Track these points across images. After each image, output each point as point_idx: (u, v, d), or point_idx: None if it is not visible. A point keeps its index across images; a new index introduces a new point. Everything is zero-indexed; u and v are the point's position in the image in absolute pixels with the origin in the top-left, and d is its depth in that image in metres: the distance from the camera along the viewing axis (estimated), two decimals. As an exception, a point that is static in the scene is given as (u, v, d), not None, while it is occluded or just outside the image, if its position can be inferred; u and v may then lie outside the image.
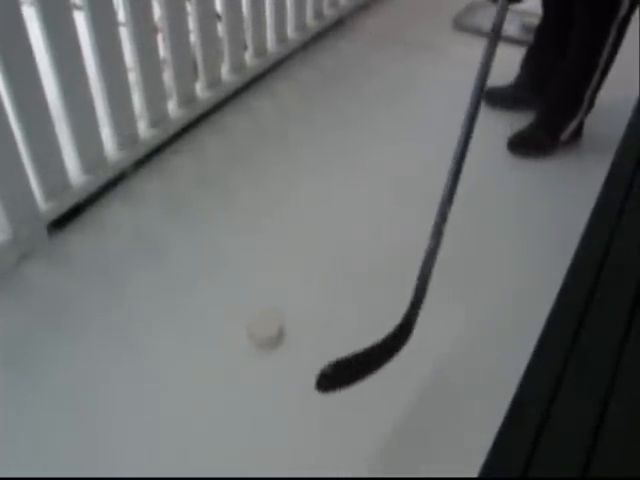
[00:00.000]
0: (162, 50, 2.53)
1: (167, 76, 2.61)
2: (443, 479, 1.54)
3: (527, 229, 2.31)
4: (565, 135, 2.59)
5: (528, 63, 2.86)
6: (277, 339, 1.90)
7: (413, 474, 1.57)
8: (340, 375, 1.67)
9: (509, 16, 3.53)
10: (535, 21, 2.86)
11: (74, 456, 1.66)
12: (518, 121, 2.70)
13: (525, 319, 1.72)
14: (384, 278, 2.12)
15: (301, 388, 1.66)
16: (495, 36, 1.96)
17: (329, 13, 3.46)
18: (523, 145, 2.66)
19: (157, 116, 2.57)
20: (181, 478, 1.57)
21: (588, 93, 2.48)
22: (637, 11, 2.35)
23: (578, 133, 2.62)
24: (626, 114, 2.18)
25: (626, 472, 0.93)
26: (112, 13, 2.22)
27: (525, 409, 0.98)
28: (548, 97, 2.64)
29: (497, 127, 2.72)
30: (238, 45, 2.92)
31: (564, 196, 2.43)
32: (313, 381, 1.54)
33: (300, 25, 3.27)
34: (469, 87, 2.26)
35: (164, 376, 1.84)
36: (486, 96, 2.89)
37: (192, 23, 2.61)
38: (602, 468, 0.91)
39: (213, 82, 2.82)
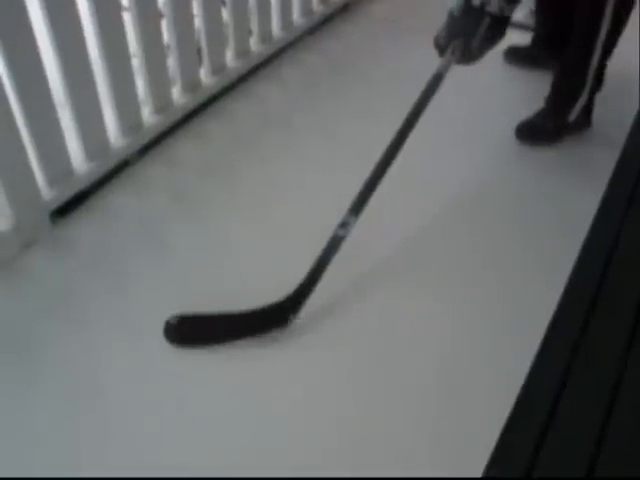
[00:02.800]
0: (166, 35, 2.51)
1: (171, 62, 2.58)
2: (446, 479, 1.53)
3: (535, 220, 2.29)
4: (572, 115, 2.55)
5: (539, 24, 2.97)
6: None
7: (416, 474, 1.56)
8: (189, 329, 1.87)
9: (517, 1, 3.50)
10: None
11: (75, 445, 1.65)
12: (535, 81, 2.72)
13: (531, 313, 1.71)
14: (388, 267, 2.11)
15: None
16: (435, 83, 2.11)
17: (335, -2, 3.43)
18: (531, 133, 2.63)
19: (161, 102, 2.55)
20: (181, 478, 1.55)
21: (591, 70, 2.44)
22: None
23: (587, 117, 2.59)
24: (635, 104, 2.16)
25: (633, 471, 0.92)
26: (115, -2, 2.20)
27: (530, 408, 0.97)
28: (553, 80, 2.61)
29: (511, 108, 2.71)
30: (243, 30, 2.89)
31: (572, 186, 2.40)
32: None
33: (306, 10, 3.24)
34: (475, 72, 2.25)
35: (166, 366, 1.83)
36: (506, 55, 2.96)
37: (196, 8, 2.59)
38: (608, 467, 0.89)
39: (218, 68, 2.80)
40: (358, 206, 1.98)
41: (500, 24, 2.11)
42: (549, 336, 1.08)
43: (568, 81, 2.56)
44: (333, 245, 1.94)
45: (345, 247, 1.96)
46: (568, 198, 2.35)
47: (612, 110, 2.64)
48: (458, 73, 2.18)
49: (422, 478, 1.54)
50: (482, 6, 2.05)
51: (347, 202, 2.32)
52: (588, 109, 2.58)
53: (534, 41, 3.04)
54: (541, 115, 2.64)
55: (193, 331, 1.91)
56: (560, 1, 2.70)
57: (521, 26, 3.24)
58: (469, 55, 2.15)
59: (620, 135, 1.88)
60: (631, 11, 2.37)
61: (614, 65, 2.51)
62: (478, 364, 1.84)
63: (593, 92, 2.52)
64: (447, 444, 1.65)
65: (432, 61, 2.19)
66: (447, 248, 2.19)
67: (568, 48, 2.51)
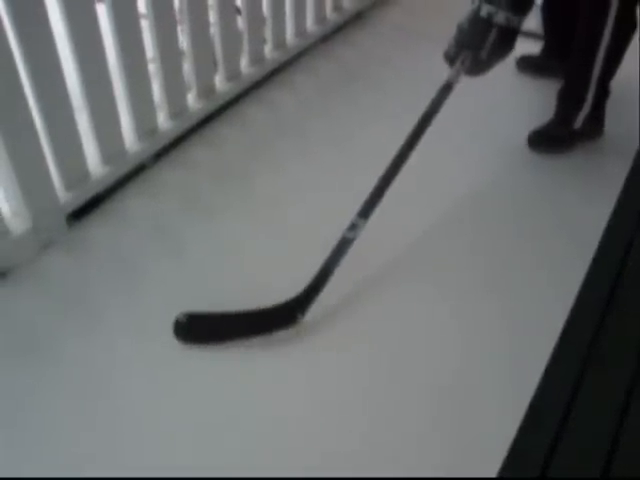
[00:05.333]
0: (182, 42, 2.53)
1: (187, 68, 2.61)
2: (460, 479, 1.54)
3: (546, 228, 2.30)
4: (577, 123, 2.56)
5: (547, 34, 2.99)
6: None
7: (430, 474, 1.56)
8: (198, 327, 1.89)
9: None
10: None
11: (88, 444, 1.67)
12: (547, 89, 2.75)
13: (543, 320, 1.72)
14: (397, 269, 2.12)
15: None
16: (444, 93, 2.15)
17: (349, 6, 3.45)
18: (542, 142, 2.64)
19: (177, 108, 2.58)
20: (183, 478, 1.57)
21: (592, 79, 2.45)
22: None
23: (598, 126, 2.60)
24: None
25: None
26: (133, 5, 2.22)
27: (544, 409, 0.98)
28: (559, 89, 2.63)
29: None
30: (258, 38, 2.92)
31: (583, 195, 2.41)
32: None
33: (319, 18, 3.27)
34: (488, 81, 2.26)
35: (179, 366, 1.85)
36: (518, 64, 2.99)
37: (212, 16, 2.62)
38: (622, 471, 0.90)
39: (232, 74, 2.82)
40: (367, 210, 2.01)
41: (508, 36, 2.12)
42: (562, 341, 1.09)
43: (571, 90, 2.58)
44: (341, 247, 1.97)
45: (355, 248, 1.97)
46: (579, 207, 2.35)
47: (625, 119, 2.65)
48: (471, 82, 2.20)
49: (435, 478, 1.55)
50: (489, 17, 2.07)
51: (359, 206, 2.34)
52: (599, 117, 2.60)
53: (544, 50, 3.06)
54: (552, 124, 2.65)
55: (202, 329, 1.93)
56: (564, 11, 2.72)
57: (533, 35, 3.26)
58: (478, 66, 2.16)
59: (632, 145, 1.89)
60: (636, 27, 2.39)
61: (627, 75, 2.52)
62: (492, 365, 1.85)
63: (599, 101, 2.53)
64: (461, 445, 1.66)
65: (444, 69, 2.21)
66: (457, 253, 2.20)
67: (570, 58, 2.54)
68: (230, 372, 1.83)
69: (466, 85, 2.18)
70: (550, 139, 2.65)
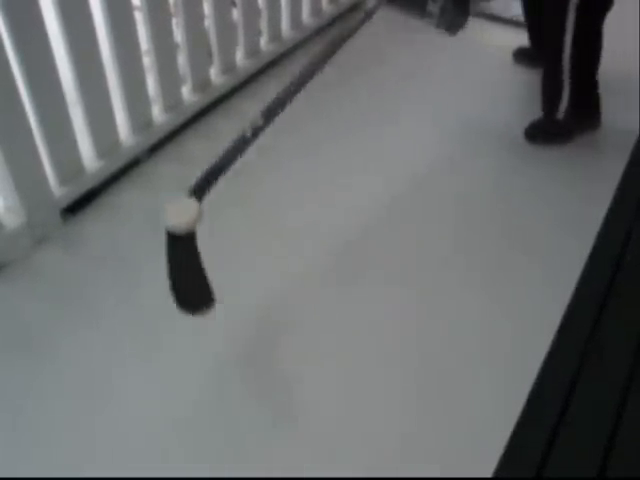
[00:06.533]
0: (177, 35, 2.52)
1: (182, 61, 2.60)
2: (457, 479, 1.54)
3: (543, 221, 2.29)
4: (559, 114, 2.57)
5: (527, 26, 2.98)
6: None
7: (426, 474, 1.56)
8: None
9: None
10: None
11: (85, 443, 1.67)
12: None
13: (541, 313, 1.71)
14: (394, 271, 2.11)
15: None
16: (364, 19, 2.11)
17: (344, -2, 3.43)
18: (539, 134, 2.64)
19: (171, 101, 2.57)
20: (182, 478, 1.56)
21: (564, 71, 2.46)
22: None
23: (582, 115, 2.60)
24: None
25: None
26: (127, -3, 2.21)
27: (541, 408, 0.97)
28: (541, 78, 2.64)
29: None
30: (253, 30, 2.90)
31: (581, 188, 2.40)
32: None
33: (315, 10, 3.25)
34: (484, 72, 2.25)
35: (178, 362, 1.84)
36: (515, 55, 2.98)
37: (207, 8, 2.60)
38: (620, 468, 0.90)
39: (228, 67, 2.81)
40: (270, 113, 1.97)
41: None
42: (559, 337, 1.08)
43: (547, 83, 2.59)
44: (239, 146, 1.95)
45: (353, 245, 1.96)
46: (577, 200, 2.35)
47: (622, 112, 2.64)
48: (467, 73, 2.19)
49: (432, 478, 1.55)
50: None
51: (359, 203, 2.34)
52: (583, 108, 2.59)
53: (532, 42, 3.04)
54: (542, 117, 2.65)
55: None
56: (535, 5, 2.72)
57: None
58: (426, 18, 2.14)
59: (630, 137, 1.88)
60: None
61: (626, 68, 2.51)
62: (489, 362, 1.85)
63: (579, 92, 2.52)
64: (457, 444, 1.66)
65: (442, 61, 2.20)
66: (453, 247, 2.19)
67: (543, 49, 2.57)
68: (227, 370, 1.83)
69: (463, 77, 2.17)
70: (545, 132, 2.65)
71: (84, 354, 1.86)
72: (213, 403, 1.76)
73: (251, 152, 2.55)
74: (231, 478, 1.55)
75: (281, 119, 2.62)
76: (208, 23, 2.64)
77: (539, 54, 2.81)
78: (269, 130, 1.86)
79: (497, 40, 3.21)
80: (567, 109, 2.54)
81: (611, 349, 1.12)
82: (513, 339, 1.89)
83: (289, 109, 1.89)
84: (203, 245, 1.67)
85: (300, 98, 2.78)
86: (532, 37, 2.97)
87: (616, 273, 1.25)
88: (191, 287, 1.76)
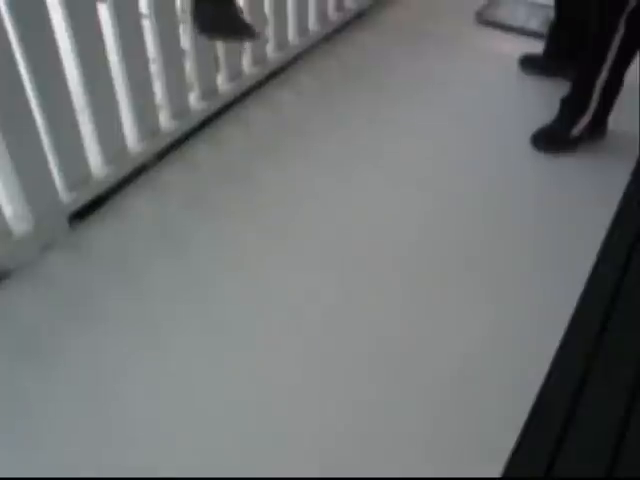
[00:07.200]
0: (184, 42, 2.53)
1: (189, 68, 2.61)
2: (465, 479, 1.54)
3: (549, 228, 2.29)
4: (576, 130, 2.56)
5: (552, 35, 2.98)
6: None
7: (435, 474, 1.56)
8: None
9: (532, 10, 3.54)
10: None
11: (91, 447, 1.67)
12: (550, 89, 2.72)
13: (548, 319, 1.71)
14: (400, 273, 2.12)
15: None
16: None
17: (351, 5, 3.44)
18: (546, 142, 2.64)
19: (179, 108, 2.58)
20: (182, 478, 1.57)
21: (597, 88, 2.44)
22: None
23: (595, 131, 2.60)
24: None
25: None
26: (135, 5, 2.21)
27: (548, 409, 0.97)
28: (565, 95, 2.63)
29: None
30: (259, 37, 2.91)
31: (587, 195, 2.39)
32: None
33: (321, 17, 3.26)
34: (494, 81, 2.25)
35: (184, 368, 1.85)
36: (521, 63, 2.98)
37: (214, 15, 2.61)
38: (628, 469, 0.89)
39: (234, 74, 2.82)
40: None
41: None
42: (567, 339, 1.09)
43: (574, 99, 2.58)
44: None
45: (365, 248, 1.96)
46: (583, 206, 2.34)
47: (629, 120, 2.64)
48: (474, 80, 2.19)
49: (440, 478, 1.55)
50: None
51: (363, 204, 2.35)
52: (600, 127, 2.59)
53: (547, 50, 3.04)
54: (554, 126, 2.65)
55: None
56: (577, 17, 2.71)
57: (535, 34, 3.26)
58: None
59: (636, 143, 1.88)
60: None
61: (633, 74, 2.51)
62: (497, 365, 1.84)
63: (601, 109, 2.52)
64: (466, 444, 1.65)
65: (446, 67, 2.20)
66: (461, 252, 2.20)
67: (578, 66, 2.54)
68: (231, 375, 1.83)
69: (469, 85, 2.18)
70: (553, 140, 2.65)
71: (92, 358, 1.87)
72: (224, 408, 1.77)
73: (254, 155, 2.58)
74: (230, 478, 1.56)
75: (290, 140, 2.65)
76: (215, 30, 2.65)
77: (554, 63, 2.82)
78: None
79: (503, 47, 3.21)
80: (586, 125, 2.55)
81: (617, 353, 1.12)
82: (520, 342, 1.88)
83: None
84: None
85: (311, 113, 2.81)
86: (556, 44, 2.97)
87: (623, 276, 1.25)
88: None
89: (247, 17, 2.74)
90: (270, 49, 3.02)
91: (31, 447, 1.67)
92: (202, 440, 1.67)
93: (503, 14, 3.44)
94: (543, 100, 2.84)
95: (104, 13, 2.13)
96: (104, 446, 1.67)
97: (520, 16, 3.44)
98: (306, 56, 3.20)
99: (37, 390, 1.79)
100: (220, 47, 2.70)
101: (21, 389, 1.80)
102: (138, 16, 2.25)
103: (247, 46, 2.86)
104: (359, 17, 3.52)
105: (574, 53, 2.62)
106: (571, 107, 2.59)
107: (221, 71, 2.78)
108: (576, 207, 2.35)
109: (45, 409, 1.75)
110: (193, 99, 2.66)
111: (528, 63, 3.06)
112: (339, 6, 3.36)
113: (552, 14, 2.97)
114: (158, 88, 2.47)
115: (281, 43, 3.05)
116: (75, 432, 1.70)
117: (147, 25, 2.33)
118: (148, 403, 1.77)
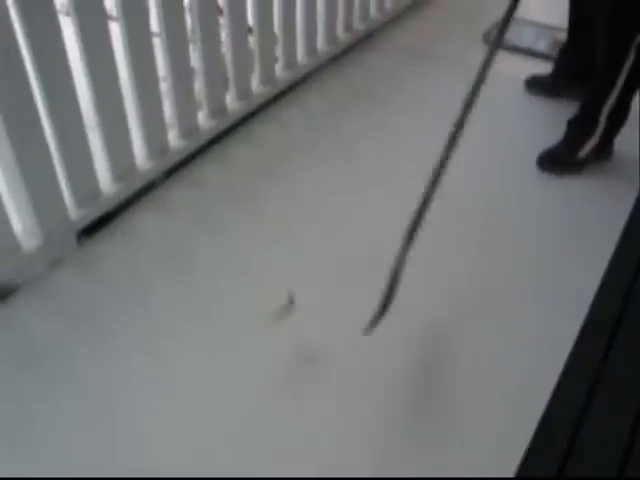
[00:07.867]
0: (194, 61, 2.55)
1: (198, 87, 2.63)
2: (479, 479, 1.53)
3: (554, 249, 2.29)
4: (583, 153, 2.57)
5: (563, 55, 2.99)
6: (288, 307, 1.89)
7: (449, 474, 1.56)
8: None
9: (540, 31, 3.55)
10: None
11: (96, 461, 1.68)
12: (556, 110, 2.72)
13: (555, 337, 1.71)
14: (411, 295, 2.12)
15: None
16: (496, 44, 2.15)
17: (359, 26, 3.47)
18: (552, 163, 2.64)
19: (188, 126, 2.60)
20: (183, 478, 1.58)
21: (605, 113, 2.46)
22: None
23: (602, 153, 2.60)
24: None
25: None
26: (146, 23, 2.24)
27: (560, 410, 0.97)
28: (572, 117, 2.64)
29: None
30: (269, 57, 2.94)
31: (593, 217, 2.40)
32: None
33: (330, 38, 3.28)
34: (500, 102, 2.27)
35: (190, 383, 1.85)
36: (527, 84, 2.98)
37: (224, 35, 2.64)
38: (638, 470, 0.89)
39: (243, 93, 2.84)
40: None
41: None
42: (574, 356, 1.09)
43: (581, 122, 2.59)
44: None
45: (374, 265, 1.96)
46: (590, 225, 2.35)
47: (635, 141, 2.64)
48: (481, 102, 2.20)
49: (454, 478, 1.55)
50: None
51: (370, 225, 2.35)
52: (603, 147, 2.60)
53: (556, 70, 3.05)
54: (560, 148, 2.66)
55: None
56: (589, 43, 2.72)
57: (542, 55, 3.28)
58: None
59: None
60: None
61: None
62: (504, 380, 1.84)
63: (607, 133, 2.53)
64: (479, 445, 1.65)
65: (455, 89, 2.22)
66: (469, 272, 2.20)
67: (587, 90, 2.55)
68: (234, 389, 1.84)
69: (476, 104, 2.18)
70: (559, 162, 2.66)
71: (98, 373, 1.88)
72: (228, 421, 1.77)
73: (262, 173, 2.58)
74: (230, 478, 1.56)
75: (297, 159, 2.65)
76: (224, 50, 2.68)
77: (562, 82, 2.83)
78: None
79: (510, 68, 3.23)
80: (592, 148, 2.56)
81: (624, 370, 1.12)
82: (528, 360, 1.88)
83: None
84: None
85: (318, 133, 2.82)
86: (563, 69, 2.99)
87: (630, 295, 1.25)
88: None
89: (257, 37, 2.79)
90: (279, 69, 3.04)
91: (36, 461, 1.67)
92: (207, 451, 1.67)
93: (510, 35, 3.44)
94: (549, 121, 2.86)
95: (115, 31, 2.16)
96: (108, 461, 1.67)
97: (527, 37, 3.46)
98: (315, 76, 3.22)
99: (43, 404, 1.80)
100: (230, 66, 2.73)
101: (28, 403, 1.81)
102: (149, 34, 2.28)
103: (256, 65, 2.89)
104: (367, 38, 3.54)
105: (583, 75, 2.64)
106: (578, 130, 2.60)
107: (230, 90, 2.81)
108: (581, 229, 2.36)
109: (52, 423, 1.76)
110: (202, 117, 2.69)
111: (534, 84, 3.08)
112: (348, 27, 3.39)
113: (559, 36, 2.99)
114: (167, 106, 2.49)
115: (290, 63, 3.07)
116: (80, 445, 1.71)
117: (157, 43, 2.35)
118: (152, 418, 1.78)
